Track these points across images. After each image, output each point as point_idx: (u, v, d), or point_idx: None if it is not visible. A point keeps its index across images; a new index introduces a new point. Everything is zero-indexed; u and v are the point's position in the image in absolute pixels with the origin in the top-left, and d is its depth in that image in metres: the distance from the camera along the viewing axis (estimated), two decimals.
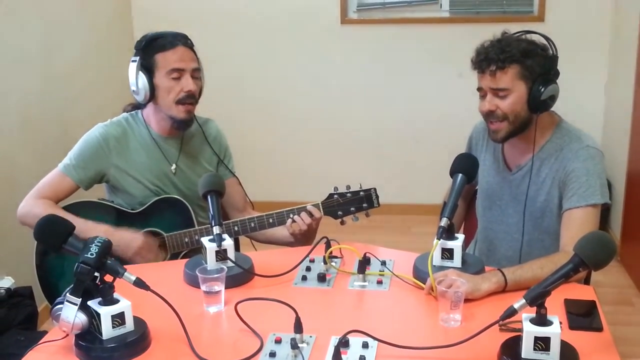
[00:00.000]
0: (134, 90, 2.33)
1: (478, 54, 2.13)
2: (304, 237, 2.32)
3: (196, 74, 2.35)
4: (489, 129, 2.18)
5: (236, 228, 2.32)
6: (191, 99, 2.33)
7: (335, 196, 2.32)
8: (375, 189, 2.34)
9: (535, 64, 2.08)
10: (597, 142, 2.17)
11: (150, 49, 2.31)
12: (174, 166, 2.44)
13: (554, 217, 2.17)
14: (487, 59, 2.09)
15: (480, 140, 2.37)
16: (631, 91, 3.92)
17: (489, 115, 2.14)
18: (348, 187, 2.34)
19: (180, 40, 2.33)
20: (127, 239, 2.27)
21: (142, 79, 2.29)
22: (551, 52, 2.11)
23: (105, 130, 2.39)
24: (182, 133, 2.44)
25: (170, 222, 2.38)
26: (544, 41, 2.12)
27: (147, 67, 2.30)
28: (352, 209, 2.33)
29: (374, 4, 4.70)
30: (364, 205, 2.33)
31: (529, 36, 2.14)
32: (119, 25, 4.62)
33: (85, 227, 2.19)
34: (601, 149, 2.15)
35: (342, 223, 2.35)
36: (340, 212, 2.33)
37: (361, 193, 2.32)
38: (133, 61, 2.31)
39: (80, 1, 4.09)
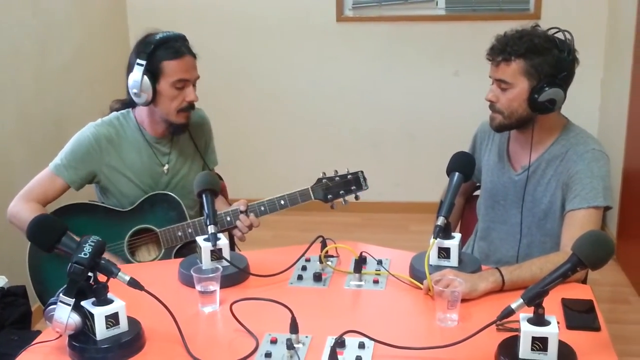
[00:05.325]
0: (135, 93, 2.29)
1: (493, 42, 2.11)
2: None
3: (196, 81, 2.36)
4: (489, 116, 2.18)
5: (228, 218, 2.31)
6: (192, 107, 2.35)
7: (324, 180, 2.34)
8: (362, 172, 2.35)
9: (545, 63, 2.02)
10: (603, 146, 2.14)
11: (157, 55, 2.27)
12: (166, 167, 2.43)
13: (556, 219, 2.16)
14: (495, 49, 2.08)
15: (485, 139, 2.36)
16: (627, 89, 3.90)
17: (490, 105, 2.14)
18: (335, 171, 2.36)
19: (186, 48, 2.31)
20: None
21: (147, 83, 2.27)
22: (569, 54, 2.03)
23: (97, 130, 2.37)
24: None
25: (162, 218, 2.37)
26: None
27: (153, 73, 2.27)
28: (342, 192, 2.34)
29: (370, 2, 4.68)
30: (353, 187, 2.34)
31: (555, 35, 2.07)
32: (114, 22, 4.59)
33: None
34: (607, 153, 2.13)
35: (332, 207, 2.36)
36: (330, 196, 2.34)
37: (349, 176, 2.34)
38: (139, 64, 2.26)
39: None
